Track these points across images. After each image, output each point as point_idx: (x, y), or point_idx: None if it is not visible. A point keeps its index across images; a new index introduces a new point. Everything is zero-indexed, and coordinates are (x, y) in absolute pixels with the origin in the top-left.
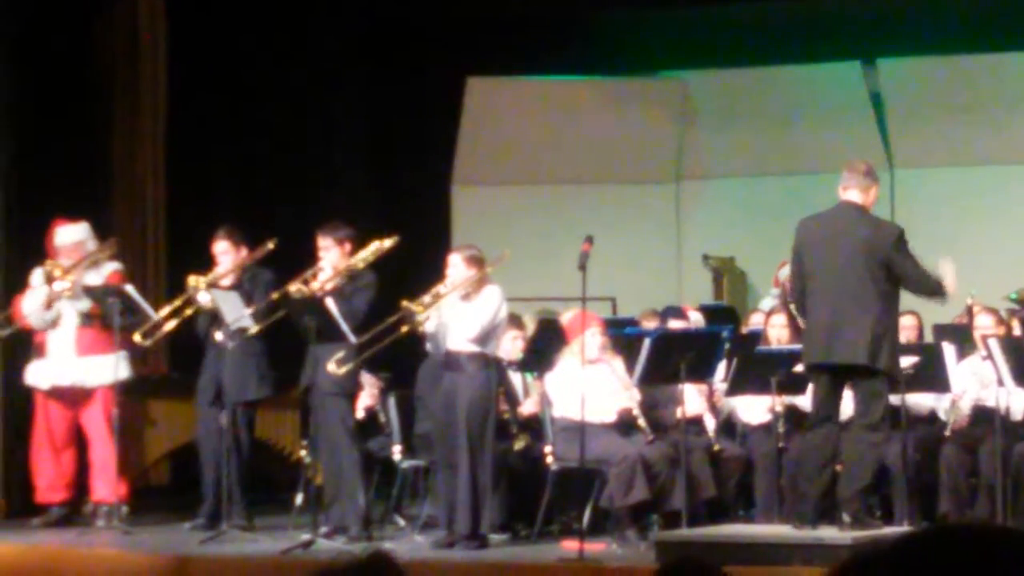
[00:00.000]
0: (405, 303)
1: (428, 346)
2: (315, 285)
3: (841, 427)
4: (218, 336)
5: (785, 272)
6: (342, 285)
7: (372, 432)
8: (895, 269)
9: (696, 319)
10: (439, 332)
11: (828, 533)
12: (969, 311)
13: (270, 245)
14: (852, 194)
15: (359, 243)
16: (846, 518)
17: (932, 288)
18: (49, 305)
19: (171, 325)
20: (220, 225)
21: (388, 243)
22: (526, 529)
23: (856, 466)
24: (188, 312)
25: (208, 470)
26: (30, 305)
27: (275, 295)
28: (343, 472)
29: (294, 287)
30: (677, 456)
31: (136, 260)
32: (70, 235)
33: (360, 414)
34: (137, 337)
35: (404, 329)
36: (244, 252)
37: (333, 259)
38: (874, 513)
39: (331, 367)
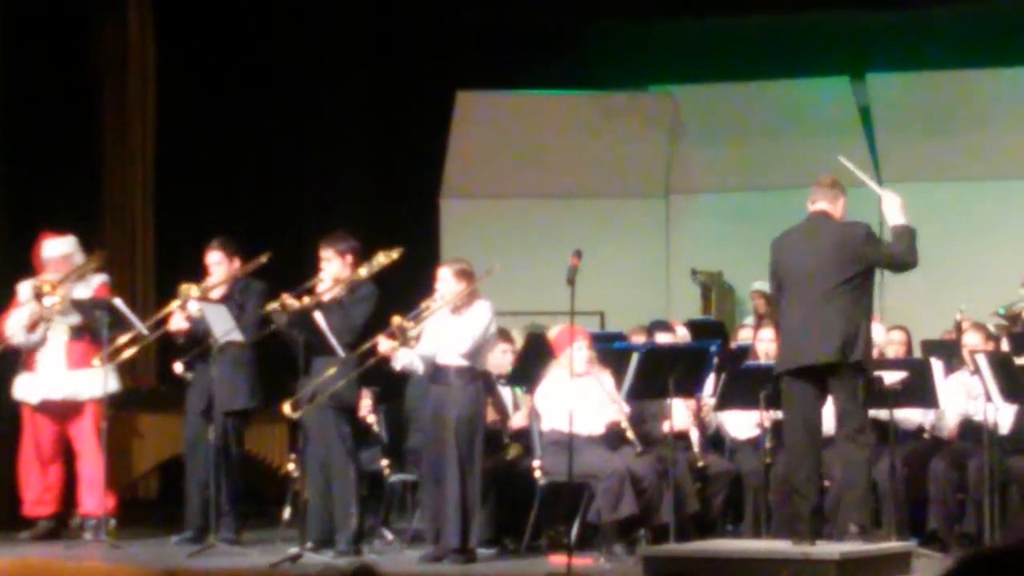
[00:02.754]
0: (397, 320)
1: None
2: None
3: (825, 442)
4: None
5: (754, 287)
6: (341, 297)
7: (363, 444)
8: (872, 262)
9: (682, 334)
10: (424, 350)
11: (815, 548)
12: (958, 327)
13: (262, 258)
14: (820, 205)
15: (361, 255)
16: (853, 528)
17: (907, 251)
18: (34, 327)
19: (136, 347)
20: (210, 237)
21: (393, 255)
22: (514, 543)
23: (851, 475)
24: (167, 330)
25: (193, 482)
26: (15, 324)
27: (267, 309)
28: (338, 487)
29: (288, 301)
30: (665, 470)
31: (125, 272)
32: (57, 248)
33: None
34: (96, 361)
35: (395, 343)
36: (237, 264)
37: (334, 270)
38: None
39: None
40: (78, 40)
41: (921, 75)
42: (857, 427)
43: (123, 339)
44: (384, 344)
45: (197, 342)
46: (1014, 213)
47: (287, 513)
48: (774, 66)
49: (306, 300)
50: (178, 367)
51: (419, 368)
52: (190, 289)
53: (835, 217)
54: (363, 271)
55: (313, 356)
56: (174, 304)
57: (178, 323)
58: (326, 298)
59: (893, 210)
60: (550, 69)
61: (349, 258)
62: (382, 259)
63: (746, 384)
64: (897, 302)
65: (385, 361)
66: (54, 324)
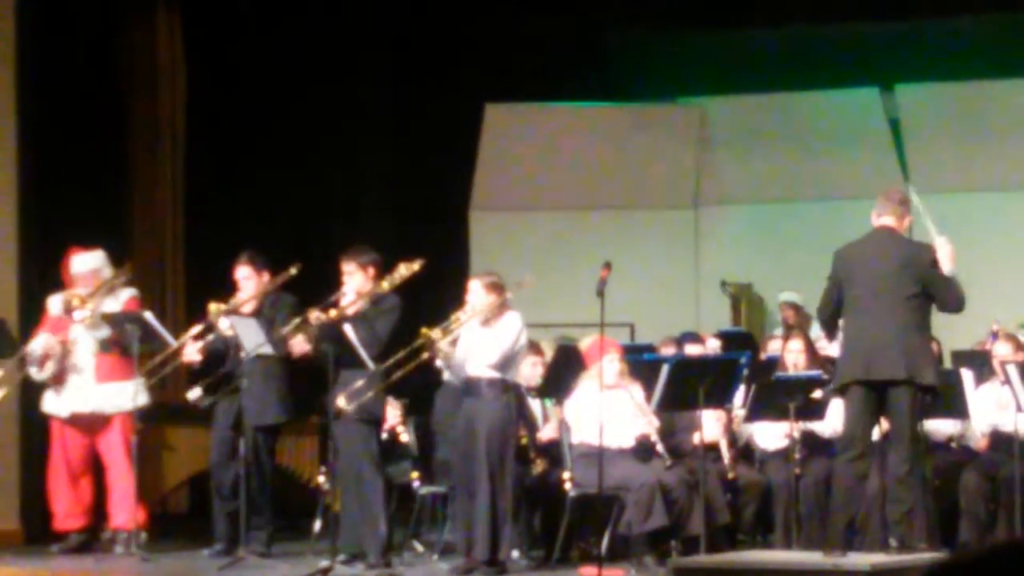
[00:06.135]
0: (425, 331)
1: (445, 374)
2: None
3: (873, 450)
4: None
5: (782, 298)
6: (365, 310)
7: (392, 456)
8: (930, 287)
9: (713, 346)
10: (459, 359)
11: (846, 559)
12: (995, 337)
13: (292, 271)
14: (886, 220)
15: (383, 268)
16: (893, 542)
17: (961, 306)
18: (44, 362)
19: (170, 366)
20: (240, 250)
21: (415, 266)
22: (545, 555)
23: (899, 489)
24: (203, 347)
25: (220, 496)
26: (32, 352)
27: (294, 324)
28: (365, 499)
29: (313, 315)
30: (695, 482)
31: (155, 286)
32: (86, 263)
33: (382, 436)
34: (141, 379)
35: (424, 356)
36: (266, 278)
37: (357, 284)
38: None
39: (340, 402)
40: (106, 52)
41: (951, 86)
42: (911, 445)
43: (157, 360)
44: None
45: (217, 365)
46: None
47: (317, 526)
48: (803, 77)
49: (332, 314)
50: (193, 393)
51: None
52: (219, 308)
53: (900, 233)
54: (385, 283)
55: (343, 369)
56: (201, 325)
57: (191, 355)
58: (350, 312)
59: (945, 258)
60: (579, 81)
61: (371, 271)
62: (404, 271)
63: (776, 395)
64: None
65: (413, 373)
66: (83, 338)
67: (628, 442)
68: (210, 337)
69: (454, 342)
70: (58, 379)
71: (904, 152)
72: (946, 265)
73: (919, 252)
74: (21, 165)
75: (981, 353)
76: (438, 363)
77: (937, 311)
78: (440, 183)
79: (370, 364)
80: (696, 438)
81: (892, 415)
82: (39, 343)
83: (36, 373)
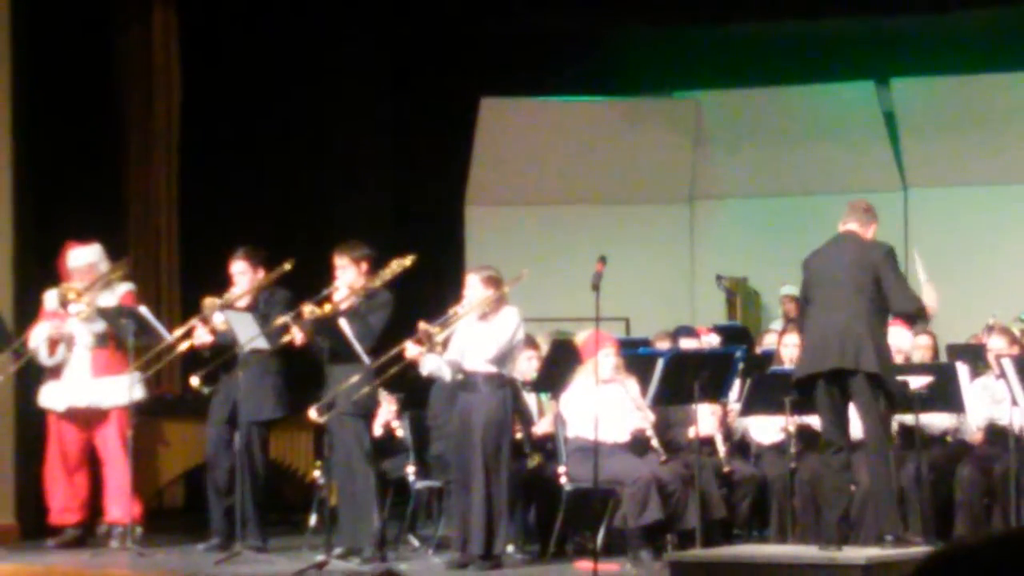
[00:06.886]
0: (423, 325)
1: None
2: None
3: (854, 448)
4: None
5: (784, 291)
6: (358, 304)
7: (388, 451)
8: (882, 282)
9: (713, 341)
10: (456, 354)
11: (841, 554)
12: (991, 331)
13: (287, 266)
14: (851, 226)
15: (376, 263)
16: (888, 538)
17: (914, 306)
18: (54, 347)
19: (164, 360)
20: (236, 245)
21: (407, 262)
22: (540, 549)
23: (878, 486)
24: (192, 344)
25: (215, 490)
26: (36, 339)
27: (287, 318)
28: (358, 492)
29: (307, 309)
30: (690, 476)
31: (150, 281)
32: (82, 257)
33: (378, 431)
34: (134, 371)
35: (422, 348)
36: (261, 273)
37: (349, 278)
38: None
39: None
40: (102, 49)
41: (946, 79)
42: (875, 432)
43: (151, 353)
44: (411, 349)
45: (221, 354)
46: None
47: (313, 520)
48: (799, 71)
49: (326, 308)
50: (195, 380)
51: (446, 374)
52: (214, 303)
53: (861, 237)
54: (378, 279)
55: (331, 364)
56: (195, 319)
57: (202, 337)
58: (343, 307)
59: (930, 302)
60: (574, 75)
61: (364, 266)
62: (396, 267)
63: (771, 389)
64: None
65: (411, 367)
66: (79, 332)
67: (623, 436)
68: (222, 323)
69: (445, 343)
70: (54, 373)
71: (899, 146)
72: (929, 299)
73: (872, 247)
74: (17, 161)
75: (976, 347)
76: (427, 371)
77: (890, 310)
78: (436, 177)
79: (365, 359)
80: (691, 432)
81: (855, 405)
82: (42, 330)
83: (47, 359)
